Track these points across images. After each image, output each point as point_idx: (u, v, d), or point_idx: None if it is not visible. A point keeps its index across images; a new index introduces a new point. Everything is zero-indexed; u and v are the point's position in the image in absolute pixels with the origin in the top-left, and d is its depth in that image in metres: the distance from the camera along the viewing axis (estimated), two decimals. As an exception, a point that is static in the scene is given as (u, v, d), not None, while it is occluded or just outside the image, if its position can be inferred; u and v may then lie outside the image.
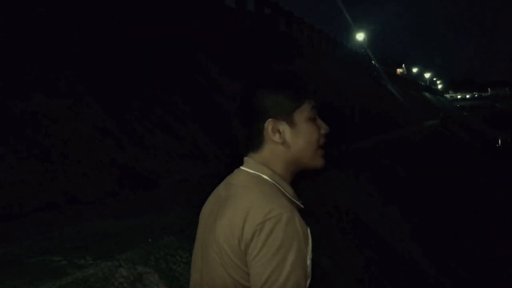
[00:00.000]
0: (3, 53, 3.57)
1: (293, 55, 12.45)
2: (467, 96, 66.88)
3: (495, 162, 15.60)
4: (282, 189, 0.92)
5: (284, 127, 0.93)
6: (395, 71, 42.11)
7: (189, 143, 4.58)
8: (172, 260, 1.74)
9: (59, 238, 1.93)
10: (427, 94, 43.11)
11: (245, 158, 0.98)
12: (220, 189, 0.99)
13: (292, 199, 0.92)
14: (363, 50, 28.04)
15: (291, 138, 0.93)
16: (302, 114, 0.95)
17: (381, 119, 14.04)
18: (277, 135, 0.93)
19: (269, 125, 0.92)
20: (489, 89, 68.63)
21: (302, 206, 0.94)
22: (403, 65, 56.38)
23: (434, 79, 68.07)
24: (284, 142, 0.93)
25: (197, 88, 5.93)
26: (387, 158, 7.30)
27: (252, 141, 0.95)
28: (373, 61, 27.43)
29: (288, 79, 0.99)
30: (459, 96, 68.06)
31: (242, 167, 0.97)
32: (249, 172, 0.94)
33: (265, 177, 0.92)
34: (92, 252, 1.62)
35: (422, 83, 51.08)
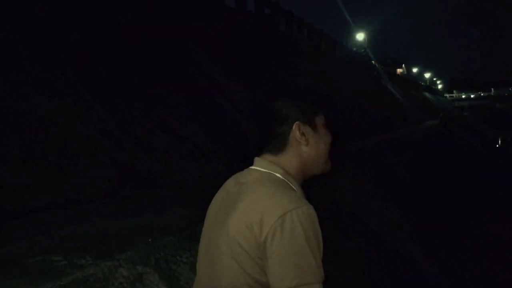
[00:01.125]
0: (4, 53, 3.57)
1: (293, 55, 12.45)
2: (472, 96, 66.75)
3: (495, 162, 15.60)
4: (293, 187, 0.96)
5: (308, 130, 0.99)
6: (395, 71, 42.13)
7: (189, 143, 4.58)
8: (172, 260, 1.74)
9: (59, 238, 1.93)
10: (427, 94, 43.13)
11: (256, 158, 1.02)
12: (230, 186, 1.01)
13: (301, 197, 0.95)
14: (363, 50, 28.04)
15: (314, 141, 1.00)
16: (320, 120, 1.01)
17: (381, 119, 14.04)
18: (303, 137, 0.98)
19: (296, 127, 0.98)
20: (492, 89, 68.53)
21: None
22: (403, 65, 56.38)
23: (434, 79, 68.10)
24: (308, 144, 0.99)
25: (197, 88, 5.94)
26: (387, 158, 7.30)
27: (272, 144, 1.00)
28: (373, 61, 27.43)
29: (306, 91, 1.06)
30: (463, 96, 67.92)
31: (253, 167, 1.01)
32: (261, 171, 0.98)
33: (277, 175, 0.96)
34: (92, 252, 1.62)
35: (422, 83, 51.09)
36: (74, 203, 2.84)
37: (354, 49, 25.80)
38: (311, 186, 1.08)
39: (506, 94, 61.61)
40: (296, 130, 0.98)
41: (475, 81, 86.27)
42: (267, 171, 0.97)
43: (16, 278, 1.40)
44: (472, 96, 67.18)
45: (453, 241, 5.33)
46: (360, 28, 32.79)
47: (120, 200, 3.07)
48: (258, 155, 1.02)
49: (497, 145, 22.75)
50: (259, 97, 1.05)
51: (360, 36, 31.52)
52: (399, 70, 48.59)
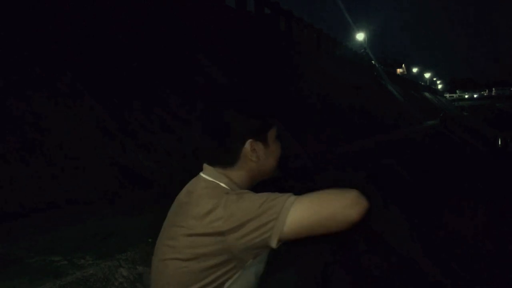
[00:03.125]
0: (3, 53, 3.57)
1: (293, 55, 12.45)
2: (475, 96, 66.74)
3: (496, 162, 15.59)
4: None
5: (259, 147, 1.01)
6: (395, 71, 42.13)
7: (189, 143, 4.58)
8: (172, 260, 1.73)
9: (59, 238, 1.93)
10: (427, 94, 43.12)
11: (205, 166, 1.04)
12: (182, 196, 1.05)
13: None
14: (363, 50, 28.04)
15: (264, 157, 1.02)
16: (272, 135, 1.04)
17: (381, 119, 14.04)
18: (254, 154, 1.00)
19: (249, 145, 0.99)
20: (493, 89, 68.52)
21: None
22: (403, 65, 56.44)
23: (434, 79, 68.11)
24: (258, 161, 1.01)
25: (197, 88, 5.93)
26: (387, 158, 7.30)
27: (223, 158, 1.01)
28: (373, 61, 27.43)
29: (262, 103, 1.07)
30: (466, 96, 67.91)
31: (201, 174, 1.04)
32: (207, 180, 1.01)
33: (221, 184, 0.99)
34: (92, 252, 1.62)
35: (422, 83, 51.09)
36: (74, 203, 2.84)
37: (354, 49, 25.79)
38: (301, 186, 1.11)
39: (506, 94, 61.52)
40: (248, 148, 0.99)
41: (475, 81, 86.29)
42: (212, 180, 1.00)
43: (16, 278, 1.40)
44: (475, 96, 67.12)
45: (453, 241, 5.33)
46: (360, 28, 32.85)
47: (120, 200, 3.07)
48: (208, 162, 1.04)
49: (497, 145, 22.73)
50: (213, 107, 1.04)
51: (360, 36, 31.55)
52: (399, 70, 48.63)
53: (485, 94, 67.51)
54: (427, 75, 62.52)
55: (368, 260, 3.48)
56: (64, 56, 4.12)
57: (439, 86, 68.08)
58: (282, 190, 0.99)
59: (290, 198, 0.89)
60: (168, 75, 5.50)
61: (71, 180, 3.02)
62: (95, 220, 2.33)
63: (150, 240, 1.80)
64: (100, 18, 5.22)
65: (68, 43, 4.34)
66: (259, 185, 1.07)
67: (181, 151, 4.35)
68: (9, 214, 2.49)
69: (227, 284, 0.93)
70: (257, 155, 1.00)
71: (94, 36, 4.84)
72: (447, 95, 65.95)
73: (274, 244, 0.87)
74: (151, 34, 5.94)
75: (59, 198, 2.82)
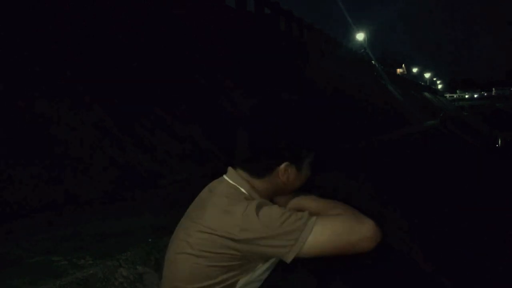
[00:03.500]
0: (3, 53, 3.57)
1: (293, 55, 12.45)
2: (475, 96, 66.84)
3: (495, 162, 15.59)
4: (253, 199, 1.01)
5: (292, 170, 1.03)
6: (395, 71, 42.13)
7: (189, 143, 4.58)
8: (172, 260, 1.73)
9: (59, 238, 1.93)
10: (427, 94, 43.11)
11: (230, 169, 1.06)
12: (204, 193, 1.07)
13: None
14: (363, 50, 28.04)
15: (293, 180, 1.05)
16: (307, 162, 1.07)
17: (381, 119, 14.04)
18: (285, 175, 1.02)
19: (284, 167, 1.02)
20: (493, 89, 68.59)
21: None
22: (403, 65, 56.46)
23: (434, 79, 68.12)
24: (287, 182, 1.04)
25: (197, 88, 5.94)
26: (387, 158, 7.30)
27: (255, 169, 1.03)
28: (373, 61, 27.43)
29: (308, 134, 1.10)
30: (466, 96, 68.02)
31: (225, 176, 1.06)
32: (230, 183, 1.03)
33: (242, 190, 1.01)
34: (92, 252, 1.62)
35: (422, 83, 51.08)
36: (74, 203, 2.84)
37: (354, 49, 25.79)
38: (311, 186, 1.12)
39: (506, 94, 61.51)
40: (282, 169, 1.01)
41: (475, 81, 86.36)
42: (235, 184, 1.01)
43: (16, 278, 1.39)
44: (475, 96, 67.18)
45: (453, 241, 5.33)
46: (360, 28, 32.86)
47: (120, 200, 3.07)
48: (235, 165, 1.05)
49: (497, 145, 22.72)
50: (266, 125, 1.05)
51: (360, 36, 31.56)
52: (399, 70, 48.64)
53: (485, 94, 67.45)
54: (427, 75, 62.49)
55: (369, 260, 3.48)
56: (64, 56, 4.12)
57: (439, 86, 68.07)
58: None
59: (310, 221, 0.90)
60: (168, 75, 5.50)
61: (71, 180, 3.02)
62: (95, 220, 2.33)
63: (150, 240, 1.81)
64: (100, 18, 5.22)
65: (68, 43, 4.34)
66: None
67: (181, 151, 4.35)
68: (9, 214, 2.49)
69: (238, 285, 0.94)
70: (287, 177, 1.02)
71: (94, 36, 4.84)
72: (447, 95, 65.86)
73: (288, 260, 0.90)
74: (151, 34, 5.94)
75: (59, 198, 2.83)
